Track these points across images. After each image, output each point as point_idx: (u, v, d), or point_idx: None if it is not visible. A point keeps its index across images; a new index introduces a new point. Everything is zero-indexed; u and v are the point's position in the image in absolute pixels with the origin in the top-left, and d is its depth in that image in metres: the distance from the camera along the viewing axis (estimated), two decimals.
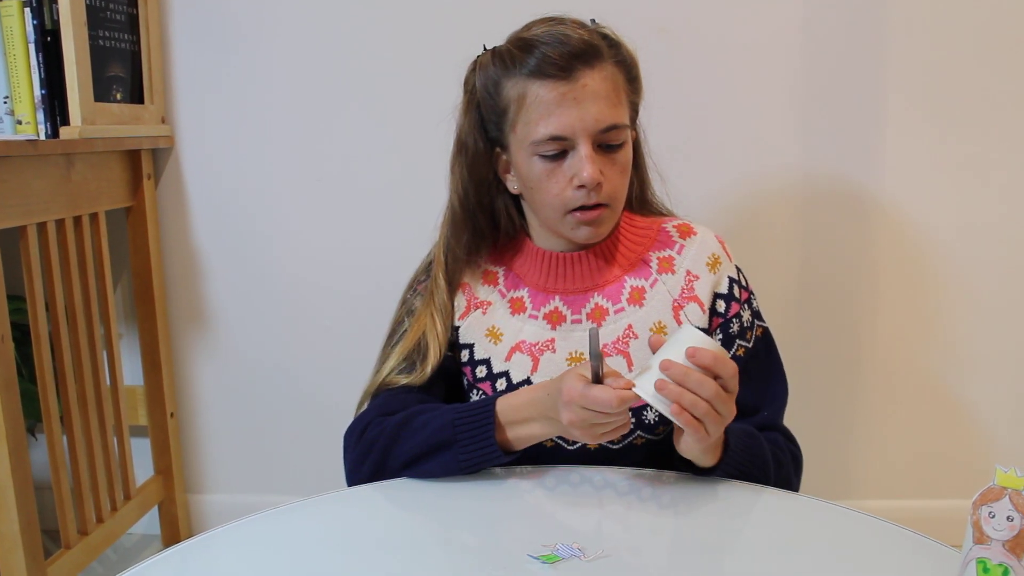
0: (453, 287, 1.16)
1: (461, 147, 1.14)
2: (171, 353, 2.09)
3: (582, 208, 1.06)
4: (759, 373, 1.14)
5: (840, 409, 2.05)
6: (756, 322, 1.15)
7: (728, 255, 1.16)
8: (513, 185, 1.13)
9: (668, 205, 1.24)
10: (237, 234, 2.05)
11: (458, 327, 1.15)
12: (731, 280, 1.14)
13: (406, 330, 1.14)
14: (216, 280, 2.07)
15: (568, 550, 0.84)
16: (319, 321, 2.07)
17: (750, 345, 1.14)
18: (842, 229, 1.96)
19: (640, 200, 1.20)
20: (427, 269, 1.19)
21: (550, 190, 1.06)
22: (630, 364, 1.10)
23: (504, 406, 0.99)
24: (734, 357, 1.12)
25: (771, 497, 0.98)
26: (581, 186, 1.04)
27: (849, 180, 1.94)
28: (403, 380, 1.10)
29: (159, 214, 2.03)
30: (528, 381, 1.12)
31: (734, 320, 1.13)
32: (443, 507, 0.95)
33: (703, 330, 1.10)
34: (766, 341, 1.16)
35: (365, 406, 1.12)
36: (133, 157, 1.93)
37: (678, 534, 0.92)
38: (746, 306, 1.15)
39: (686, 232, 1.16)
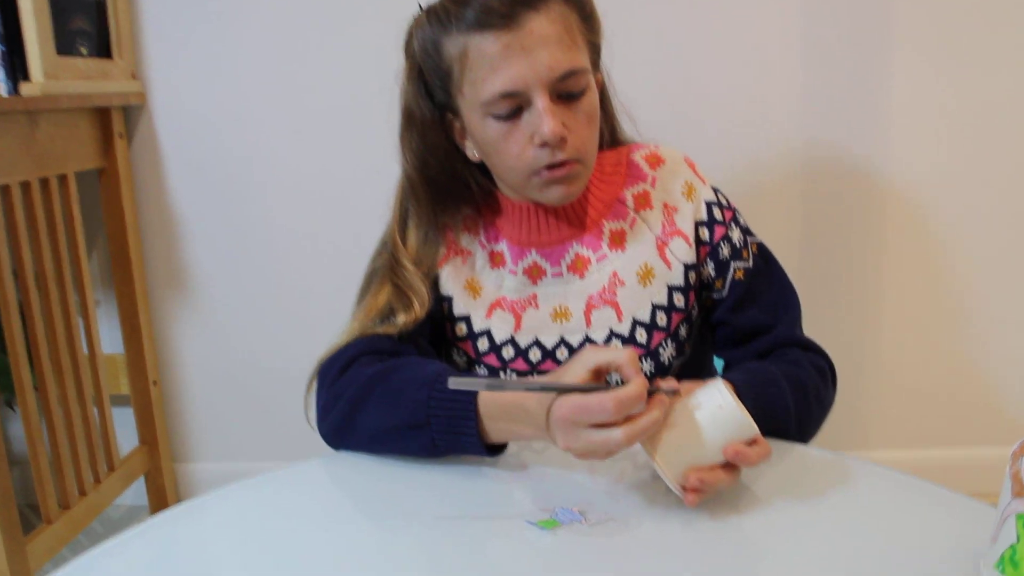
0: (426, 263, 1.07)
1: (409, 117, 1.04)
2: (151, 319, 2.02)
3: (549, 167, 0.96)
4: (765, 289, 1.07)
5: (850, 362, 1.98)
6: (748, 238, 1.08)
7: (701, 178, 1.08)
8: (472, 152, 1.04)
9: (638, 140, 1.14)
10: (217, 194, 1.97)
11: (438, 273, 1.07)
12: (709, 204, 1.07)
13: (380, 281, 1.06)
14: (196, 242, 2.00)
15: (568, 515, 0.78)
16: (305, 282, 1.99)
17: (750, 264, 1.07)
18: (847, 199, 1.92)
19: (610, 145, 1.11)
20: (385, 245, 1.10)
21: (509, 152, 0.96)
22: (619, 314, 1.03)
23: (488, 399, 0.85)
24: (735, 282, 1.06)
25: (784, 451, 0.92)
26: (544, 144, 0.94)
27: (853, 151, 1.89)
28: (381, 330, 1.01)
29: (133, 175, 1.95)
30: (512, 341, 1.04)
31: (722, 244, 1.05)
32: (433, 473, 0.89)
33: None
34: (764, 255, 1.09)
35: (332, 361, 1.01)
36: (102, 115, 1.84)
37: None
38: (733, 225, 1.07)
39: (655, 161, 1.08)
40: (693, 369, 1.10)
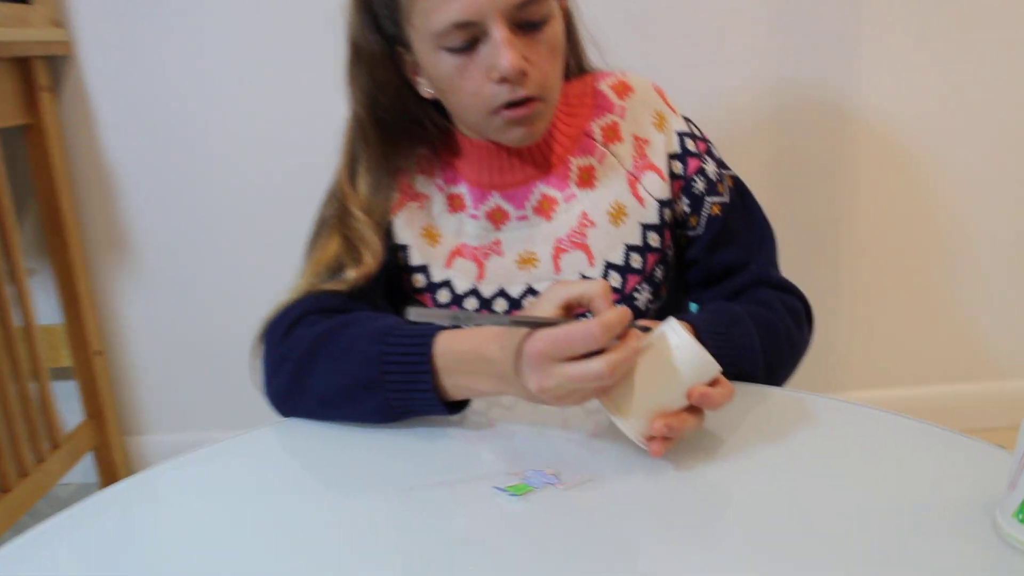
0: (379, 209, 0.97)
1: (356, 53, 0.94)
2: (91, 286, 1.90)
3: (509, 105, 0.87)
4: (741, 225, 1.00)
5: (824, 301, 1.93)
6: (723, 172, 1.01)
7: (671, 107, 1.00)
8: (425, 89, 0.94)
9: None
10: (155, 149, 1.84)
11: (392, 221, 0.98)
12: (682, 135, 0.98)
13: (329, 232, 0.96)
14: (136, 202, 1.87)
15: (540, 477, 0.70)
16: (253, 238, 1.88)
17: (726, 199, 0.99)
18: (819, 133, 1.86)
19: (576, 75, 1.02)
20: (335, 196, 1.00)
21: (465, 89, 0.87)
22: (590, 257, 0.95)
23: (444, 349, 0.76)
24: (711, 218, 0.98)
25: (760, 396, 0.85)
26: (502, 79, 0.85)
27: (825, 84, 1.82)
28: (330, 286, 0.92)
29: (63, 131, 1.81)
30: (475, 292, 0.96)
31: (697, 178, 0.98)
32: (393, 437, 0.80)
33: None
34: (739, 190, 1.02)
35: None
36: (23, 67, 1.70)
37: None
38: (707, 157, 0.99)
39: (623, 90, 0.99)
40: (669, 313, 1.02)
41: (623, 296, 0.96)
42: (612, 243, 0.96)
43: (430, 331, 0.78)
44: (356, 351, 0.80)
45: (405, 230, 0.97)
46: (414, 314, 0.65)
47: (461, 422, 0.82)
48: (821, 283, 1.94)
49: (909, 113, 1.84)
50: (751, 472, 0.71)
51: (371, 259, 0.92)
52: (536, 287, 0.96)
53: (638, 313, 0.97)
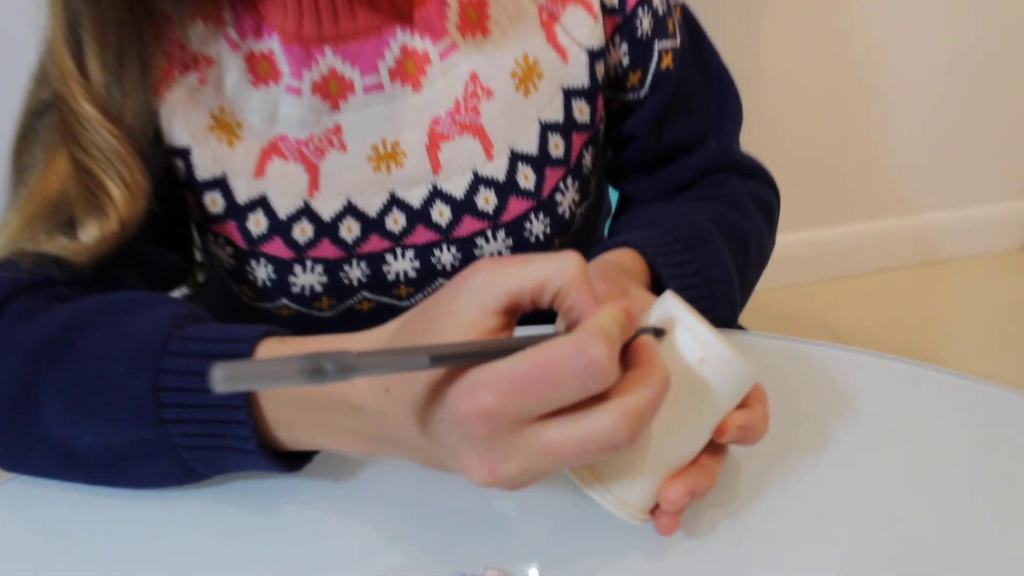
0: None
1: None
2: None
3: None
4: (698, 83, 0.68)
5: None
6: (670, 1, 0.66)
7: None
8: None
9: None
10: None
11: (156, 112, 0.58)
12: None
13: (47, 152, 0.55)
14: None
15: None
16: None
17: (677, 44, 0.66)
18: None
19: None
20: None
21: None
22: (487, 145, 0.61)
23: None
24: (660, 74, 0.65)
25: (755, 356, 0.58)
26: None
27: None
28: (51, 248, 0.53)
29: None
30: (307, 213, 0.60)
31: (641, 12, 0.62)
32: (197, 500, 0.47)
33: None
34: (690, 26, 0.69)
35: None
36: None
37: None
38: None
39: None
40: (589, 217, 0.71)
41: (539, 201, 0.63)
42: (520, 121, 0.61)
43: (247, 336, 0.43)
44: (112, 378, 0.44)
45: (180, 122, 0.58)
46: (222, 380, 0.28)
47: (321, 474, 0.48)
48: None
49: None
50: (798, 521, 0.42)
51: (123, 201, 0.52)
52: (403, 196, 0.62)
53: (561, 223, 0.65)
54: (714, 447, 0.41)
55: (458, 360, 0.34)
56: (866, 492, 0.46)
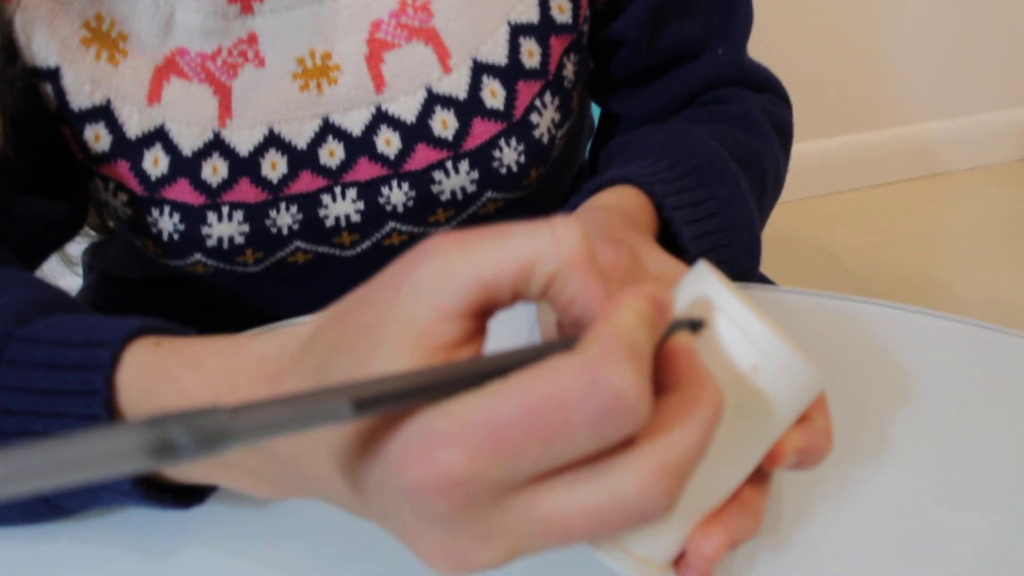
0: None
1: None
2: None
3: None
4: None
5: None
6: None
7: None
8: None
9: None
10: None
11: (11, 24, 0.45)
12: None
13: None
14: None
15: None
16: None
17: None
18: None
19: None
20: None
21: None
22: (442, 53, 0.49)
23: (142, 399, 0.30)
24: None
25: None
26: None
27: None
28: None
29: None
30: (218, 144, 0.48)
31: None
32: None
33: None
34: None
35: None
36: None
37: None
38: None
39: None
40: (570, 141, 0.58)
41: (511, 124, 0.50)
42: (484, 22, 0.48)
43: (109, 338, 0.31)
44: None
45: (43, 34, 0.45)
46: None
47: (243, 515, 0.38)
48: None
49: None
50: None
51: None
52: (339, 122, 0.49)
53: (540, 150, 0.52)
54: (758, 475, 0.30)
55: (400, 401, 0.21)
56: (949, 509, 0.36)
